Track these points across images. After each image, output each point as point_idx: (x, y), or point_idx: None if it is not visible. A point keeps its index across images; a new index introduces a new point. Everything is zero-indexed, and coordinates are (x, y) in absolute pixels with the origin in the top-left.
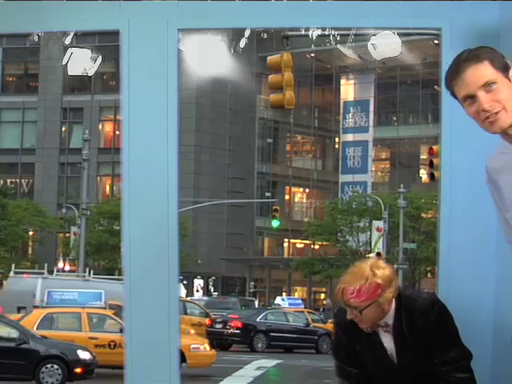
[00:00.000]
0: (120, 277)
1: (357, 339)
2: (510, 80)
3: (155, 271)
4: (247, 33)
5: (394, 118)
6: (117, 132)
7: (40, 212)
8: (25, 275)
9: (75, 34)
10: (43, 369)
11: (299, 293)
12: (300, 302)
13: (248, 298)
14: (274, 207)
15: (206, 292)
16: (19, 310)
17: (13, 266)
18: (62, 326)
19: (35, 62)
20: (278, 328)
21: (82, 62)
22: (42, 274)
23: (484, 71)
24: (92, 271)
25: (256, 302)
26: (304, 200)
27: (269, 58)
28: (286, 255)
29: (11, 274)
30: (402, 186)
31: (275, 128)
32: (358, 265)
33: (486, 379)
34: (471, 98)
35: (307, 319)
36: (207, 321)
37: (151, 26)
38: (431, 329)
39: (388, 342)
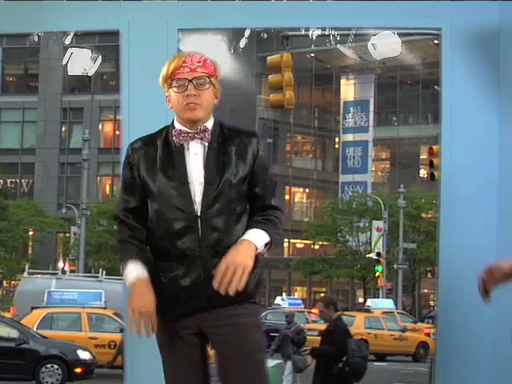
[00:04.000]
0: None
1: (152, 159)
2: None
3: None
4: (247, 33)
5: (394, 118)
6: (117, 132)
7: (40, 212)
8: (39, 276)
9: (75, 34)
10: (43, 369)
11: (299, 293)
12: (300, 301)
13: None
14: None
15: None
16: (33, 310)
17: (26, 266)
18: (62, 325)
19: (35, 62)
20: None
21: (82, 61)
22: (56, 274)
23: None
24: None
25: None
26: (304, 200)
27: (269, 58)
28: (286, 255)
29: (25, 274)
30: (401, 186)
31: (275, 128)
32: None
33: (486, 379)
34: None
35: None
36: None
37: (151, 26)
38: (254, 161)
39: (194, 159)
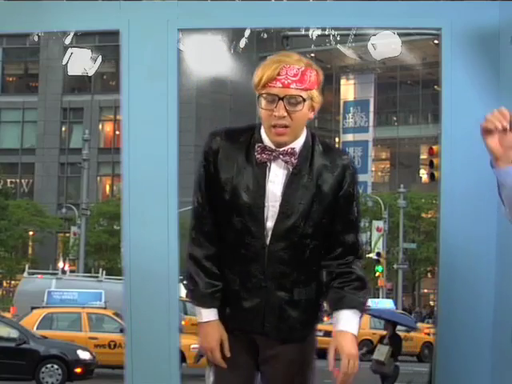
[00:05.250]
0: None
1: (232, 165)
2: None
3: (155, 271)
4: (247, 33)
5: (394, 118)
6: (117, 132)
7: (40, 212)
8: (39, 276)
9: (75, 34)
10: (43, 369)
11: None
12: None
13: None
14: None
15: None
16: (33, 310)
17: (26, 266)
18: (62, 326)
19: (35, 62)
20: None
21: (82, 61)
22: (56, 274)
23: None
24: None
25: None
26: None
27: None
28: None
29: (25, 274)
30: (401, 186)
31: None
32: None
33: (486, 379)
34: None
35: None
36: None
37: (151, 26)
38: (341, 190)
39: (274, 180)
